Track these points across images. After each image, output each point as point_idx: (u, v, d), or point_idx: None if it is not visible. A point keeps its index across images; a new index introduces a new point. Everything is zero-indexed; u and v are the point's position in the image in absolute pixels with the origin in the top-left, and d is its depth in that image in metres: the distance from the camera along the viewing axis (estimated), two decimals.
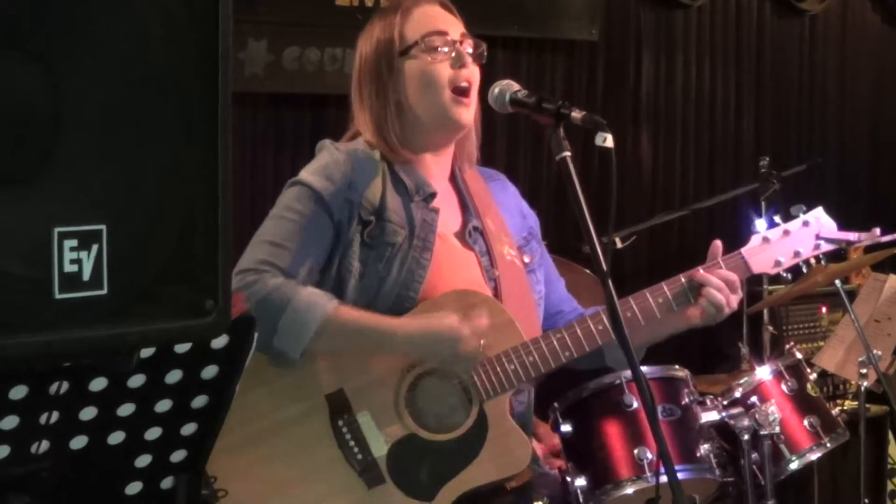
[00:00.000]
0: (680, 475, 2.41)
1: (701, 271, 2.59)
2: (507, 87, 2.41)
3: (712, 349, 5.40)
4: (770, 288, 4.63)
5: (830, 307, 5.05)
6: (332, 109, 4.70)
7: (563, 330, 2.51)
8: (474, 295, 2.50)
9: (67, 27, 1.29)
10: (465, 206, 2.65)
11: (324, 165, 2.52)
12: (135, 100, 1.34)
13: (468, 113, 2.54)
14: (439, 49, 2.53)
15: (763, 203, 4.67)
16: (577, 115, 2.22)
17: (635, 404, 3.25)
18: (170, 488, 1.67)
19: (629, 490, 3.18)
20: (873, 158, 6.58)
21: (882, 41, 6.60)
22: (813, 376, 3.69)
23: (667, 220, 5.10)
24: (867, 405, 3.99)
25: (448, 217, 2.60)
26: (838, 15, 6.42)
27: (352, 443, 2.42)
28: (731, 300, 2.57)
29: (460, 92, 2.53)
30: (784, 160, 5.25)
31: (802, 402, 3.55)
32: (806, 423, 3.51)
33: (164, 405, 1.59)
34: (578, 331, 2.50)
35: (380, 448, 2.43)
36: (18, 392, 1.43)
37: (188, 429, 1.64)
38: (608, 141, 2.13)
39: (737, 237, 5.83)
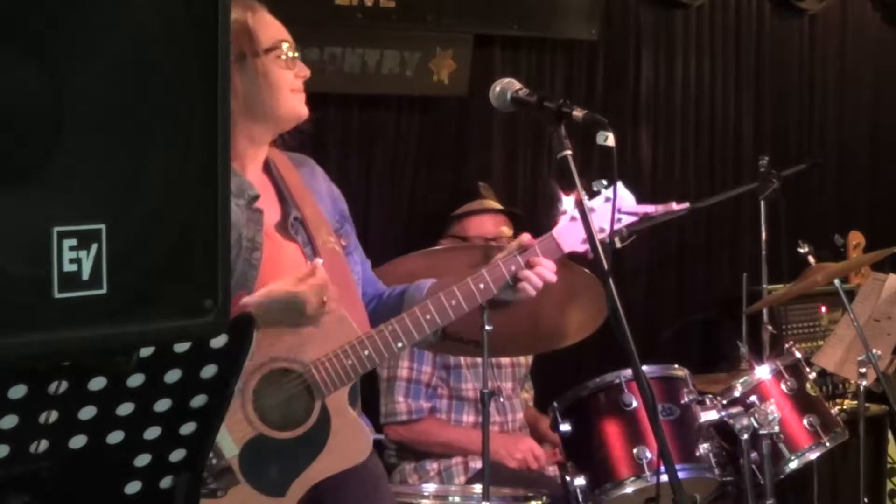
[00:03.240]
0: (679, 474, 2.41)
1: (521, 267, 2.66)
2: (509, 86, 2.41)
3: (712, 348, 5.41)
4: (769, 287, 4.64)
5: (830, 306, 5.06)
6: (331, 109, 4.70)
7: (394, 322, 2.59)
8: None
9: (68, 27, 1.29)
10: (282, 196, 2.70)
11: None
12: (135, 99, 1.34)
13: (305, 106, 2.68)
14: (285, 55, 2.64)
15: (763, 202, 4.67)
16: (578, 113, 2.23)
17: (635, 404, 3.26)
18: (169, 488, 1.67)
19: (629, 489, 3.19)
20: (873, 158, 6.58)
21: (882, 41, 6.60)
22: (812, 376, 3.69)
23: (666, 219, 5.09)
24: (866, 404, 3.99)
25: (268, 210, 2.65)
26: (838, 14, 6.42)
27: None
28: (550, 277, 2.68)
29: (298, 87, 2.66)
30: (783, 159, 5.25)
31: (802, 402, 3.56)
32: (805, 422, 3.52)
33: (163, 404, 1.59)
34: (409, 321, 2.59)
35: (231, 451, 2.49)
36: (18, 391, 1.43)
37: (187, 428, 1.64)
38: (609, 140, 2.14)
39: (734, 238, 5.82)
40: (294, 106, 2.64)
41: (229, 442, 2.49)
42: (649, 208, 2.79)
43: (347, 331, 2.54)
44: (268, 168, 2.72)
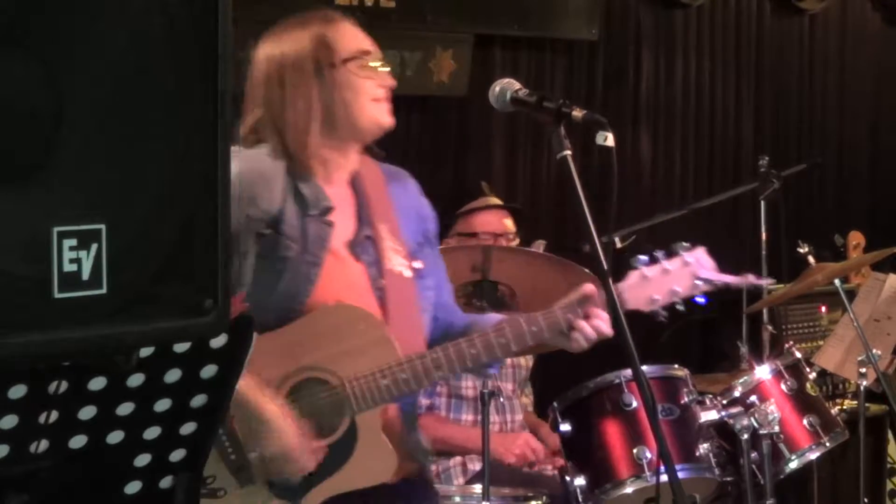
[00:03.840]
0: (679, 475, 2.41)
1: (578, 317, 2.58)
2: (508, 86, 2.41)
3: (712, 348, 5.41)
4: (770, 287, 4.64)
5: (830, 306, 5.06)
6: None
7: (439, 350, 2.54)
8: (352, 310, 2.54)
9: (67, 26, 1.29)
10: (361, 213, 2.66)
11: None
12: (134, 100, 1.34)
13: (389, 116, 2.62)
14: (368, 65, 2.60)
15: (762, 202, 4.67)
16: (577, 113, 2.22)
17: (634, 404, 3.26)
18: (169, 488, 1.67)
19: (629, 489, 3.19)
20: (872, 157, 6.58)
21: (882, 41, 6.60)
22: (812, 376, 3.69)
23: (666, 219, 5.10)
24: (866, 404, 3.99)
25: (342, 226, 2.62)
26: (838, 14, 6.42)
27: (227, 443, 2.47)
28: (606, 330, 2.57)
29: (381, 97, 2.61)
30: (783, 159, 5.25)
31: (802, 402, 3.56)
32: (805, 422, 3.52)
33: (163, 404, 1.59)
34: (452, 353, 2.54)
35: (255, 450, 2.48)
36: (17, 391, 1.43)
37: (187, 428, 1.64)
38: (609, 140, 2.13)
39: (736, 238, 5.84)
40: (375, 115, 2.59)
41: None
42: (728, 278, 2.72)
43: (388, 352, 2.51)
44: (354, 181, 2.68)
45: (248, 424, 2.44)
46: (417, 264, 2.68)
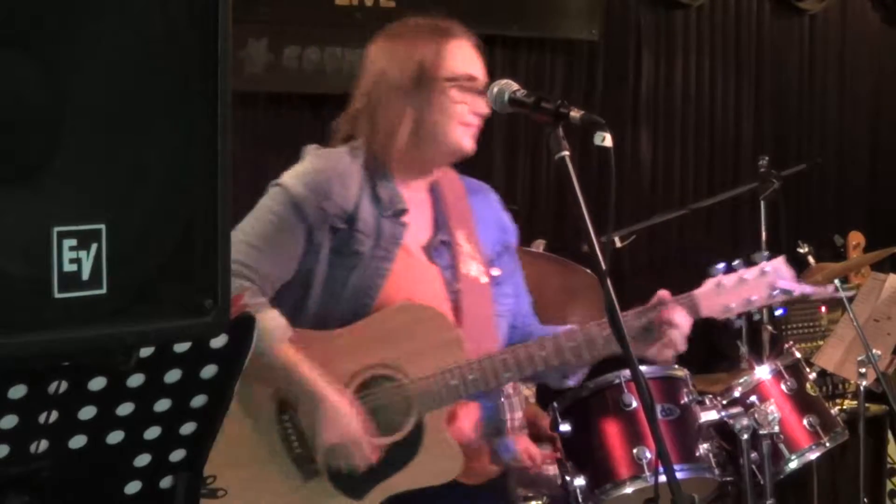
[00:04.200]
0: (679, 475, 2.41)
1: (651, 323, 2.58)
2: (506, 87, 2.41)
3: (711, 348, 5.41)
4: None
5: (830, 307, 5.05)
6: (331, 109, 4.68)
7: (508, 351, 2.54)
8: (423, 309, 2.55)
9: (68, 27, 1.29)
10: (438, 219, 2.68)
11: (305, 172, 2.61)
12: (134, 100, 1.34)
13: (472, 141, 2.61)
14: (467, 91, 2.59)
15: (762, 202, 4.67)
16: (575, 114, 2.22)
17: (634, 404, 3.25)
18: (169, 488, 1.67)
19: (628, 490, 3.19)
20: (872, 158, 6.58)
21: (882, 41, 6.60)
22: (812, 376, 3.69)
23: (666, 219, 5.10)
24: (866, 404, 3.99)
25: (418, 229, 2.63)
26: (838, 14, 6.42)
27: (293, 437, 2.50)
28: (682, 344, 2.59)
29: (470, 122, 2.60)
30: (783, 159, 5.25)
31: (802, 402, 3.55)
32: (805, 422, 3.52)
33: (163, 405, 1.59)
34: (522, 354, 2.54)
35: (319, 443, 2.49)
36: (18, 391, 1.43)
37: (187, 428, 1.64)
38: (607, 140, 2.13)
39: (734, 238, 5.83)
40: (458, 138, 2.58)
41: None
42: (808, 288, 2.72)
43: (457, 353, 2.52)
44: (434, 188, 2.70)
45: (312, 415, 2.45)
46: (495, 271, 2.70)
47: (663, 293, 2.61)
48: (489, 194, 2.83)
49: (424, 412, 2.51)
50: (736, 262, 2.65)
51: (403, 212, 2.60)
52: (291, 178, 2.61)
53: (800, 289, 2.65)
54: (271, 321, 2.45)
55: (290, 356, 2.45)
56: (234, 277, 2.44)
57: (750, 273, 2.63)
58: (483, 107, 2.58)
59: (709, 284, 2.63)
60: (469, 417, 2.62)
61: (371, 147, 2.61)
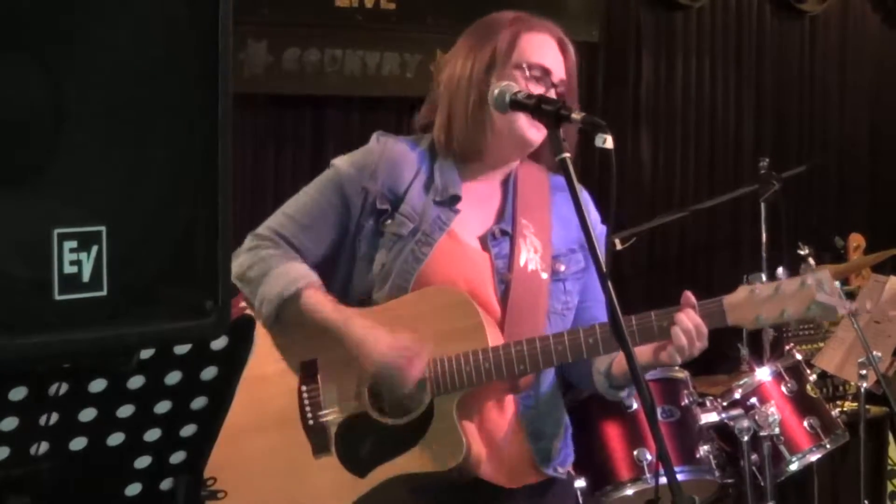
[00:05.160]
0: (680, 476, 2.41)
1: (672, 323, 2.46)
2: (507, 88, 2.41)
3: (712, 350, 5.41)
4: None
5: None
6: (332, 110, 4.70)
7: (525, 343, 2.50)
8: (451, 293, 2.53)
9: (68, 28, 1.29)
10: (504, 209, 2.65)
11: (356, 153, 2.67)
12: (135, 101, 1.34)
13: (538, 133, 2.57)
14: (538, 81, 2.57)
15: (763, 204, 4.67)
16: (576, 116, 2.22)
17: (635, 405, 3.26)
18: (169, 489, 1.67)
19: (629, 491, 3.19)
20: (873, 160, 6.58)
21: (882, 42, 6.60)
22: (813, 377, 3.69)
23: (667, 221, 5.10)
24: (867, 406, 3.99)
25: (476, 218, 2.62)
26: (838, 16, 6.42)
27: (309, 409, 2.56)
28: (694, 349, 2.47)
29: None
30: (784, 161, 5.25)
31: (802, 404, 3.56)
32: (806, 424, 3.52)
33: (163, 406, 1.59)
34: (538, 347, 2.50)
35: (333, 419, 2.56)
36: (18, 393, 1.43)
37: (188, 430, 1.64)
38: (608, 142, 2.13)
39: (735, 240, 5.82)
40: (521, 128, 2.55)
41: (334, 411, 2.56)
42: (847, 305, 2.65)
43: (478, 339, 2.49)
44: (508, 180, 2.68)
45: (348, 352, 2.50)
46: (560, 267, 2.65)
47: (689, 296, 2.49)
48: (580, 194, 2.77)
49: (436, 395, 2.50)
50: (779, 270, 2.59)
51: (456, 199, 2.59)
52: (344, 158, 2.67)
53: (841, 304, 2.48)
54: (300, 268, 2.55)
55: (318, 299, 2.53)
56: (259, 242, 2.59)
57: (789, 284, 2.48)
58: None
59: (740, 292, 2.49)
60: (506, 410, 2.59)
61: (438, 134, 2.63)
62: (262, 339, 2.58)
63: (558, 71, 2.61)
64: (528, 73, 2.56)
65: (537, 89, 2.53)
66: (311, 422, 2.56)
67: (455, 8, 4.68)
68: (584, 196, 2.73)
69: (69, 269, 1.30)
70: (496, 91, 2.42)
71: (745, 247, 5.69)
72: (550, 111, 2.26)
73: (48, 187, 1.29)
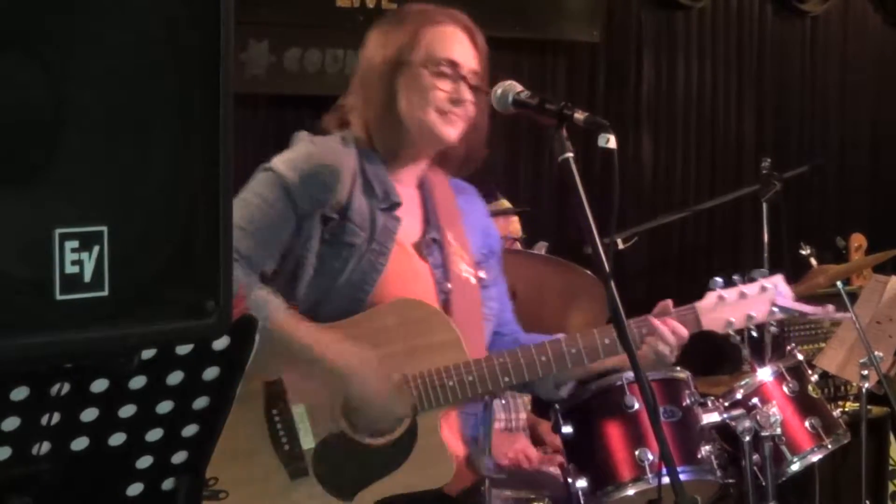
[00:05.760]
0: (681, 476, 2.40)
1: (652, 319, 2.58)
2: (510, 88, 2.40)
3: (713, 350, 5.41)
4: None
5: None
6: None
7: (507, 355, 2.51)
8: (422, 307, 2.52)
9: (68, 28, 1.29)
10: (428, 216, 2.65)
11: (296, 157, 2.55)
12: (135, 101, 1.34)
13: (454, 130, 2.56)
14: (445, 77, 2.55)
15: (764, 204, 4.66)
16: (579, 116, 2.22)
17: (636, 405, 3.25)
18: (171, 489, 1.67)
19: (630, 491, 3.18)
20: (874, 160, 6.58)
21: (883, 42, 6.61)
22: (814, 378, 3.68)
23: (668, 221, 5.10)
24: (868, 406, 3.98)
25: (409, 226, 2.61)
26: (839, 16, 6.42)
27: (282, 432, 2.46)
28: (674, 353, 2.59)
29: (447, 110, 2.55)
30: (785, 161, 5.25)
31: (804, 404, 3.55)
32: (807, 424, 3.51)
33: (165, 406, 1.58)
34: (521, 359, 2.51)
35: (308, 442, 2.46)
36: (19, 393, 1.43)
37: (189, 430, 1.64)
38: (611, 142, 2.13)
39: (736, 240, 5.82)
40: (433, 123, 2.53)
41: (309, 434, 2.46)
42: (806, 308, 2.73)
43: (457, 354, 2.48)
44: (423, 185, 2.67)
45: (317, 378, 2.43)
46: (483, 274, 2.66)
47: (666, 303, 2.59)
48: (475, 197, 2.80)
49: (419, 413, 2.47)
50: (735, 277, 2.65)
51: (397, 205, 2.57)
52: (283, 163, 2.54)
53: (799, 308, 2.67)
54: (266, 295, 2.43)
55: (289, 324, 2.43)
56: None
57: (750, 289, 2.65)
58: (463, 93, 2.54)
59: (710, 298, 2.63)
60: (450, 424, 2.58)
61: (359, 133, 2.58)
62: None
63: (467, 62, 2.57)
64: (434, 68, 2.53)
65: (445, 84, 2.52)
66: (286, 447, 2.45)
67: (455, 8, 4.68)
68: (479, 200, 2.80)
69: (70, 270, 1.30)
70: (499, 91, 2.41)
71: (747, 247, 5.69)
72: (554, 111, 2.25)
73: (49, 187, 1.29)
